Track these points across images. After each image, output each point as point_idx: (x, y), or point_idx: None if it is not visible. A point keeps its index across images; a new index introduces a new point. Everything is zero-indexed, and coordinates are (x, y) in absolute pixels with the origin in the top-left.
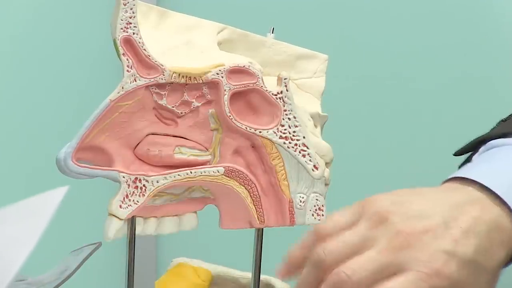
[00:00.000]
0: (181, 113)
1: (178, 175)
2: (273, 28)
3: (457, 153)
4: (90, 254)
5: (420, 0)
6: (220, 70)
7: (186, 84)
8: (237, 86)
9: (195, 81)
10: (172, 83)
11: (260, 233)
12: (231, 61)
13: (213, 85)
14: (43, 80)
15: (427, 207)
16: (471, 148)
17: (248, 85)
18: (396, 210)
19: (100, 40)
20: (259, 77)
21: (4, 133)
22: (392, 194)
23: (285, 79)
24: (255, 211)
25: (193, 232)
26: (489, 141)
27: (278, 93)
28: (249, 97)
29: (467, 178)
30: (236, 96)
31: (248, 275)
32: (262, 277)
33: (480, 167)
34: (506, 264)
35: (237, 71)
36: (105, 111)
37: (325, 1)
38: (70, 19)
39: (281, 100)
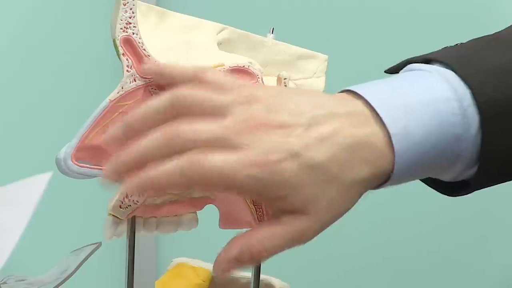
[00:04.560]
0: None
1: None
2: (273, 28)
3: (387, 71)
4: (90, 254)
5: (421, 0)
6: (220, 70)
7: None
8: None
9: None
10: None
11: None
12: (231, 61)
13: None
14: (42, 80)
15: (301, 108)
16: (400, 68)
17: None
18: (267, 101)
19: (100, 40)
20: (259, 77)
21: (4, 133)
22: (279, 90)
23: (285, 79)
24: (255, 211)
25: (193, 232)
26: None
27: None
28: None
29: (358, 93)
30: None
31: (248, 275)
32: (262, 277)
33: (377, 85)
34: (374, 186)
35: (237, 71)
36: (105, 111)
37: (325, 1)
38: (70, 19)
39: None
